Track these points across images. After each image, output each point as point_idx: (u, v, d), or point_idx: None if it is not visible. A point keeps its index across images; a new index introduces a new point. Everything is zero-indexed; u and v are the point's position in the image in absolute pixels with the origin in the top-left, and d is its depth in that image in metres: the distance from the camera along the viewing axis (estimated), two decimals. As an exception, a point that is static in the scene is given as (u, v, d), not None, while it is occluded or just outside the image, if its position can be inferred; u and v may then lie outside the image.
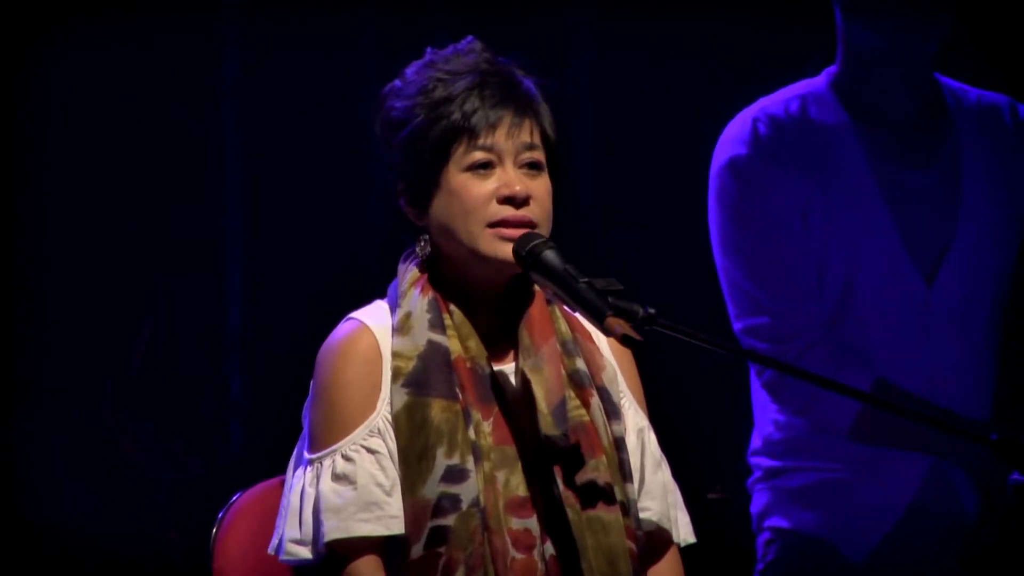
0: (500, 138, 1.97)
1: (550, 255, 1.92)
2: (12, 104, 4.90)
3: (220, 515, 2.19)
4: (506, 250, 1.96)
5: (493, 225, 1.96)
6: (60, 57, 4.91)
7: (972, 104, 2.70)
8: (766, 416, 2.71)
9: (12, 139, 4.94)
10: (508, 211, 1.96)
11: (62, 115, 4.97)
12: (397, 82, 2.04)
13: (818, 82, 2.71)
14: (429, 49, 2.07)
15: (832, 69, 2.69)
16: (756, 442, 2.74)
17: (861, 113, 2.65)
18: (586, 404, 1.99)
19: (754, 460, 2.75)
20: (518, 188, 1.96)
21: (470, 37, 2.08)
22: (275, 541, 1.96)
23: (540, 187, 1.99)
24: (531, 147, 1.99)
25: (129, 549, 4.78)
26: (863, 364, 2.56)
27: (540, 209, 1.98)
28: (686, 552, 2.14)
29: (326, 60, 4.99)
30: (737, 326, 2.67)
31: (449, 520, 1.88)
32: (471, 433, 1.92)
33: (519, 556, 1.90)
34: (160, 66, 4.97)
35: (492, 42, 2.12)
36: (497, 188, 1.96)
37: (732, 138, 2.67)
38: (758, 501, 2.74)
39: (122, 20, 4.89)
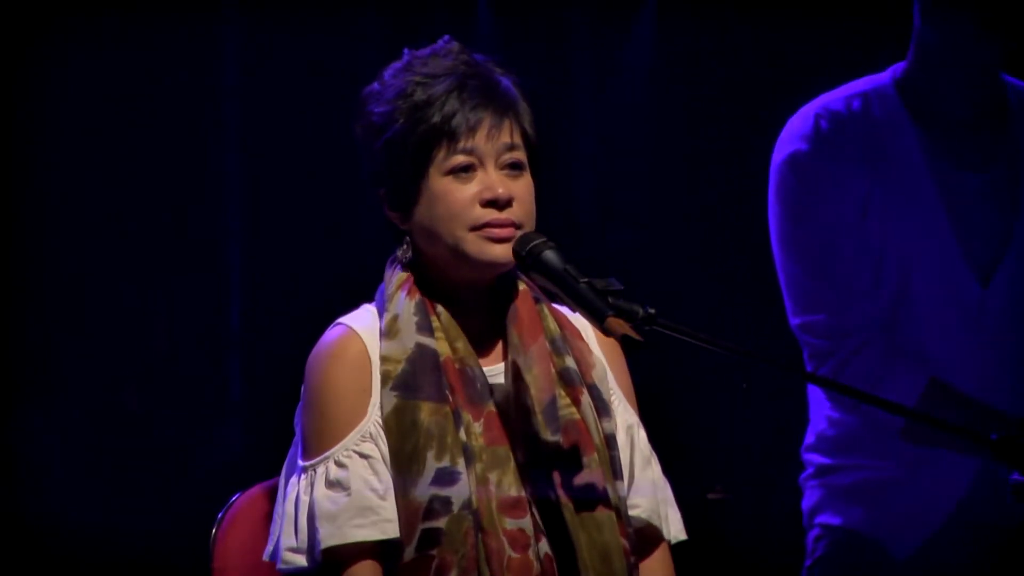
0: (480, 140, 1.97)
1: (550, 255, 1.92)
2: (12, 104, 4.90)
3: (220, 515, 2.19)
4: (493, 251, 1.96)
5: (477, 228, 1.96)
6: (60, 57, 4.91)
7: None
8: (820, 412, 2.71)
9: (12, 139, 4.94)
10: (492, 214, 1.96)
11: (62, 115, 4.97)
12: (375, 85, 2.04)
13: (882, 79, 2.68)
14: (406, 50, 2.06)
15: (899, 66, 2.66)
16: (810, 438, 2.73)
17: (924, 113, 2.63)
18: (576, 402, 1.99)
19: (807, 456, 2.74)
20: (500, 191, 1.96)
21: (447, 37, 2.07)
22: (270, 548, 1.96)
23: (522, 187, 1.99)
24: (512, 147, 1.99)
25: (129, 549, 4.78)
26: (917, 363, 2.55)
27: (523, 210, 1.98)
28: (686, 551, 2.14)
29: (326, 60, 4.99)
30: (794, 322, 2.66)
31: (440, 522, 1.88)
32: (461, 435, 1.92)
33: (515, 555, 1.90)
34: (160, 66, 4.97)
35: (493, 42, 2.12)
36: (479, 191, 1.96)
37: (793, 134, 2.66)
38: (810, 497, 2.73)
39: (122, 20, 4.90)
